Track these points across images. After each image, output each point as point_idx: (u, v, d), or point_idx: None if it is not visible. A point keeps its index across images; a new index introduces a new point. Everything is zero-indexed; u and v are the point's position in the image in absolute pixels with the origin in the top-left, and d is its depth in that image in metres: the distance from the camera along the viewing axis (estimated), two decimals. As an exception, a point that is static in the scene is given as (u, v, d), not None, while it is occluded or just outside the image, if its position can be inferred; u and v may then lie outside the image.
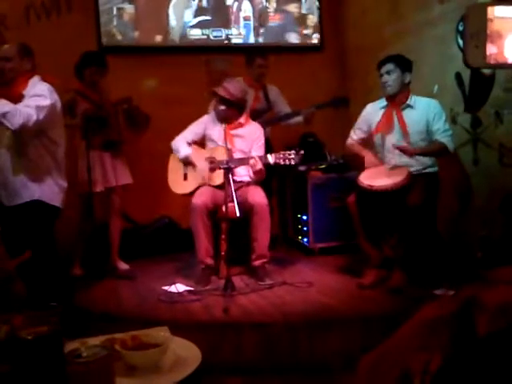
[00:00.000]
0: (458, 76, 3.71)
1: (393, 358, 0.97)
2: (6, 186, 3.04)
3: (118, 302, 3.38)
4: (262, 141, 3.88)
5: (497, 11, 1.87)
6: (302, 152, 3.48)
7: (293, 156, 3.43)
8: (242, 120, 3.83)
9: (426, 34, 4.13)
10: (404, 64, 3.44)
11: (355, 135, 3.70)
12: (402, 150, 3.30)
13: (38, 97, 2.95)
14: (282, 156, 3.46)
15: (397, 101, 3.47)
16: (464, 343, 0.89)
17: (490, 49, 1.85)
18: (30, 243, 2.69)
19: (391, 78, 3.41)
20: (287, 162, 3.45)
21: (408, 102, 3.46)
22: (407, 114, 3.45)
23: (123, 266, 3.99)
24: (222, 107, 3.72)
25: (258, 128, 3.92)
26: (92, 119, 3.78)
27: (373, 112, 3.61)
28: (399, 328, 1.05)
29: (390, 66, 3.41)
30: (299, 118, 4.42)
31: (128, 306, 3.29)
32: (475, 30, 1.83)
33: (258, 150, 3.80)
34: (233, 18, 5.24)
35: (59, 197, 3.15)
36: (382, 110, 3.54)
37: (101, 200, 3.94)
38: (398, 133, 3.45)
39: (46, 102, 2.95)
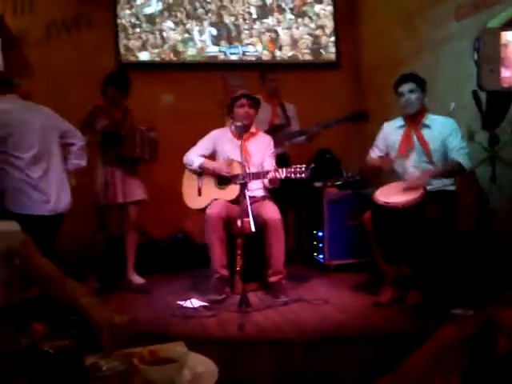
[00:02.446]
0: (475, 93, 3.69)
1: (411, 380, 0.97)
2: None
3: (133, 316, 3.36)
4: (273, 149, 3.90)
5: (509, 36, 1.88)
6: (313, 166, 3.46)
7: (303, 170, 3.39)
8: (253, 130, 3.85)
9: (442, 51, 4.13)
10: (423, 84, 3.46)
11: (373, 153, 3.69)
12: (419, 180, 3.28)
13: None
14: (292, 170, 3.42)
15: (415, 120, 3.47)
16: (484, 363, 0.89)
17: (504, 72, 1.85)
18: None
19: (414, 96, 3.42)
20: (298, 176, 3.40)
21: (425, 122, 3.46)
22: (425, 134, 3.44)
23: (138, 279, 3.99)
24: (247, 107, 3.74)
25: (267, 136, 3.96)
26: (108, 134, 3.84)
27: (390, 131, 3.60)
28: (418, 349, 1.03)
29: (412, 85, 3.41)
30: (303, 137, 4.48)
31: (142, 320, 3.28)
32: (489, 55, 1.84)
33: (269, 160, 3.81)
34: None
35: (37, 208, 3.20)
36: (400, 131, 3.53)
37: (116, 213, 3.98)
38: (419, 153, 3.44)
39: None
